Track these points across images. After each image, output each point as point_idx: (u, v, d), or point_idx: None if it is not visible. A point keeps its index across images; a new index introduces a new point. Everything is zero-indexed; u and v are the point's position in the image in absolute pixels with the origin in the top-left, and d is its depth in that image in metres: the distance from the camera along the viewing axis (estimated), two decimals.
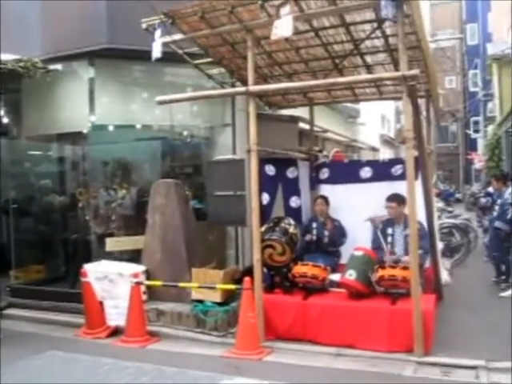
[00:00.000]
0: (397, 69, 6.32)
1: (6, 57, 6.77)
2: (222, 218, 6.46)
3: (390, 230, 6.38)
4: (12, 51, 6.93)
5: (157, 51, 5.75)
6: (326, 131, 11.43)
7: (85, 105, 7.25)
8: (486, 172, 22.07)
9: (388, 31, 5.89)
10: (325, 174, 7.83)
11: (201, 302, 6.12)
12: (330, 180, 7.74)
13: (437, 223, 7.73)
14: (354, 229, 6.90)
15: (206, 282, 6.08)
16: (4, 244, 8.38)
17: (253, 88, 5.76)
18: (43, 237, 8.30)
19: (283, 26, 5.06)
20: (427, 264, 6.40)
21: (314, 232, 6.86)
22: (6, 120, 8.22)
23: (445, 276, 7.28)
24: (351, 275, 5.65)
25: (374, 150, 17.96)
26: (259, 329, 5.48)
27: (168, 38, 6.00)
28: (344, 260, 6.42)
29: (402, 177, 6.31)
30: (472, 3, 36.22)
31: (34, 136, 8.23)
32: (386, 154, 20.41)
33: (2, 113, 8.15)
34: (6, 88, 7.58)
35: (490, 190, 13.32)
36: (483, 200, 13.16)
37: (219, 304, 6.04)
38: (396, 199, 6.25)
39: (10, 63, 6.72)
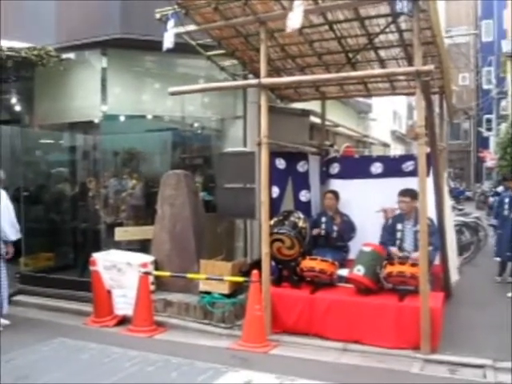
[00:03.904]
0: (411, 64, 6.29)
1: (19, 45, 6.79)
2: (231, 211, 6.46)
3: (399, 226, 6.34)
4: (26, 39, 6.95)
5: (168, 42, 5.72)
6: (337, 126, 11.37)
7: (97, 94, 7.26)
8: (497, 170, 21.90)
9: (403, 26, 5.84)
10: (335, 168, 7.80)
11: (208, 293, 6.14)
12: (341, 175, 7.71)
13: (452, 220, 7.72)
14: (363, 224, 6.86)
15: (214, 274, 6.09)
16: None
17: (265, 80, 5.74)
18: (53, 225, 8.36)
19: (293, 18, 5.03)
20: (436, 261, 6.36)
21: (323, 226, 6.85)
22: (18, 108, 8.24)
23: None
24: (359, 271, 5.64)
25: (385, 145, 17.85)
26: (266, 322, 5.49)
27: (181, 29, 5.99)
28: (353, 255, 6.41)
29: (413, 173, 6.27)
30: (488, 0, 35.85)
31: (45, 124, 8.26)
32: (397, 150, 20.26)
33: (15, 101, 8.18)
34: (19, 76, 7.60)
35: (499, 189, 13.27)
36: (492, 200, 13.10)
37: (227, 296, 6.06)
38: (409, 194, 6.19)
39: (24, 51, 6.74)
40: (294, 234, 6.00)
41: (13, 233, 6.19)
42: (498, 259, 8.41)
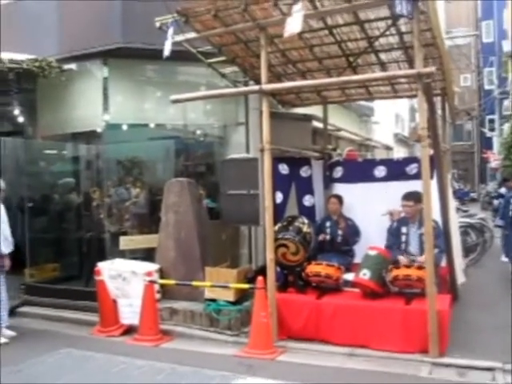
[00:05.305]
0: (411, 66, 6.27)
1: (21, 57, 6.82)
2: (235, 217, 6.45)
3: (404, 229, 6.31)
4: (27, 51, 6.97)
5: (167, 50, 5.75)
6: (339, 130, 11.36)
7: (99, 104, 7.29)
8: (501, 171, 21.82)
9: (403, 28, 5.84)
10: (338, 172, 7.78)
11: (214, 300, 6.11)
12: (344, 179, 7.68)
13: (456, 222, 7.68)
14: (368, 228, 6.85)
15: (219, 281, 6.07)
16: (19, 242, 8.47)
17: (266, 86, 5.74)
18: (58, 235, 8.36)
19: (293, 23, 5.03)
20: (443, 263, 6.32)
21: (328, 231, 6.83)
22: (21, 119, 8.27)
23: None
24: (365, 275, 5.61)
25: (388, 148, 17.85)
26: (272, 328, 5.46)
27: (181, 37, 6.01)
28: (358, 259, 6.38)
29: (417, 176, 6.24)
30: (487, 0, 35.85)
31: (48, 135, 8.27)
32: (400, 153, 20.26)
33: (18, 112, 8.21)
34: (21, 88, 7.62)
35: (502, 190, 13.20)
36: (495, 201, 13.01)
37: (232, 303, 6.03)
38: (413, 198, 6.15)
39: (26, 63, 6.77)
40: (298, 240, 5.98)
41: (6, 245, 6.17)
42: (506, 260, 8.34)
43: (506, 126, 22.18)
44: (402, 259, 5.97)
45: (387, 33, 5.90)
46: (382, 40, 6.16)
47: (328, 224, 6.90)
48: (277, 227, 6.03)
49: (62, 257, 8.38)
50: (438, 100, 7.56)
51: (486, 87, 36.97)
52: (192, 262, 6.65)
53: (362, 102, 12.93)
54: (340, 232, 6.81)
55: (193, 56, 6.47)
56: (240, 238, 7.61)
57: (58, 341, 5.99)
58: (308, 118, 8.99)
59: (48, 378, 4.83)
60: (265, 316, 5.33)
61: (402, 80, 7.16)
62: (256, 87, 6.13)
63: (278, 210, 6.70)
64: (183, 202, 6.81)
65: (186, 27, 5.94)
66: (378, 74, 6.88)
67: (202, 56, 6.57)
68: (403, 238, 6.28)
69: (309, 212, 7.30)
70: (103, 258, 7.04)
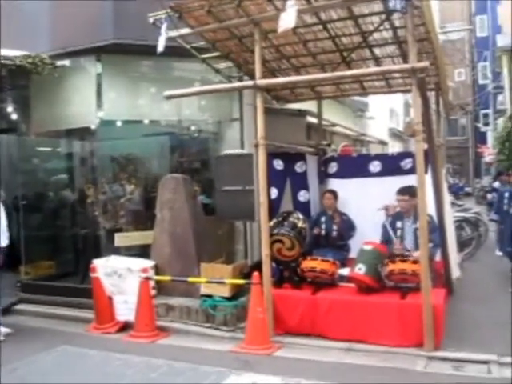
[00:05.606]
0: (406, 61, 6.27)
1: (14, 53, 6.78)
2: (230, 213, 6.45)
3: (399, 224, 6.32)
4: (20, 47, 6.93)
5: (160, 45, 5.72)
6: (334, 125, 11.37)
7: (93, 100, 7.25)
8: (496, 165, 21.92)
9: (397, 23, 5.82)
10: (333, 168, 7.79)
11: (210, 296, 6.12)
12: (339, 174, 7.70)
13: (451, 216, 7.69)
14: (363, 223, 6.86)
15: (215, 277, 6.07)
16: (14, 240, 8.44)
17: (260, 82, 5.73)
18: (53, 232, 8.33)
19: (287, 18, 5.02)
20: (437, 258, 6.34)
21: (323, 226, 6.84)
22: (15, 116, 8.23)
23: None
24: (360, 269, 5.63)
25: (383, 143, 17.86)
26: (268, 324, 5.47)
27: (175, 33, 5.99)
28: (353, 254, 6.39)
29: (411, 170, 6.25)
30: None
31: (42, 132, 8.24)
32: (394, 148, 20.30)
33: (11, 109, 8.16)
34: (14, 84, 7.58)
35: (496, 184, 13.27)
36: (489, 196, 13.07)
37: (228, 299, 6.04)
38: (408, 192, 6.16)
39: (19, 59, 6.73)
40: (293, 235, 5.99)
41: (2, 239, 6.16)
42: (501, 254, 8.37)
43: (501, 121, 22.25)
44: (396, 243, 6.03)
45: (381, 27, 5.88)
46: (376, 35, 6.15)
47: (323, 219, 6.91)
48: (272, 223, 6.04)
49: (57, 254, 8.37)
50: (432, 95, 7.56)
51: (481, 82, 37.05)
52: (187, 258, 6.65)
53: (357, 97, 12.94)
54: (335, 227, 6.82)
55: (187, 52, 6.44)
56: (235, 234, 7.61)
57: (53, 338, 5.97)
58: (302, 114, 8.99)
59: (43, 376, 4.82)
60: (261, 311, 5.34)
61: (397, 75, 7.16)
62: (250, 82, 6.12)
63: (273, 206, 6.71)
64: (178, 198, 6.81)
65: (179, 23, 5.91)
66: (373, 68, 6.87)
67: (195, 51, 6.54)
68: (398, 233, 6.30)
69: (304, 207, 7.32)
70: (98, 254, 7.02)
